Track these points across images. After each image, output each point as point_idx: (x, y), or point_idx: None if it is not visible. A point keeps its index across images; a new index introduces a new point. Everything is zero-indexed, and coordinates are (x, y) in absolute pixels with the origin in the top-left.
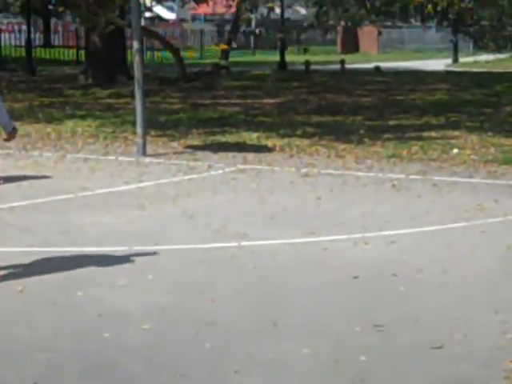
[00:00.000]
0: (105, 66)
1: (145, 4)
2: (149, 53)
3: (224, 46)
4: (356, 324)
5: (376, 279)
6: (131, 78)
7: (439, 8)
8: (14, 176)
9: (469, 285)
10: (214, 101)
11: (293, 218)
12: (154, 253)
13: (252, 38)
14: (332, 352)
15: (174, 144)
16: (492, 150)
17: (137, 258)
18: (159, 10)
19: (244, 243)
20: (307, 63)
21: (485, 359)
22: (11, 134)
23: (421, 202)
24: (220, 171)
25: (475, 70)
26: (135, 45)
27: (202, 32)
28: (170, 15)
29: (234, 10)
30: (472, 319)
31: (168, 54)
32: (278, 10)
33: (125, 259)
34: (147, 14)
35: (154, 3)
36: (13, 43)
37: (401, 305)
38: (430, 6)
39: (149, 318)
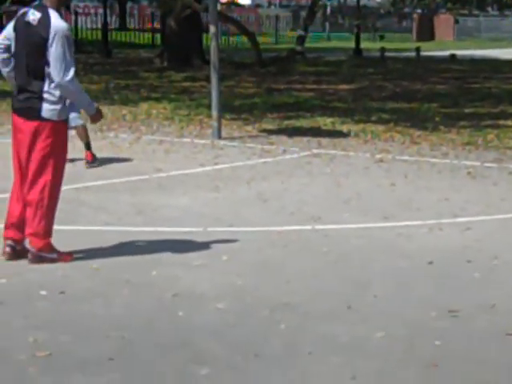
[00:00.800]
0: (180, 50)
1: None
2: (224, 37)
3: (299, 33)
4: (431, 309)
5: (451, 265)
6: (207, 61)
7: None
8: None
9: None
10: (288, 86)
11: (367, 203)
12: (229, 234)
13: (327, 24)
14: (406, 336)
15: (249, 128)
16: None
17: (211, 239)
18: None
19: (318, 227)
20: (383, 50)
21: None
22: (95, 116)
23: (496, 189)
24: (295, 155)
25: None
26: (211, 29)
27: (277, 18)
28: (245, 0)
29: None
30: None
31: (243, 39)
32: None
33: (200, 240)
34: None
35: None
36: (89, 26)
37: (476, 291)
38: None
39: (223, 297)
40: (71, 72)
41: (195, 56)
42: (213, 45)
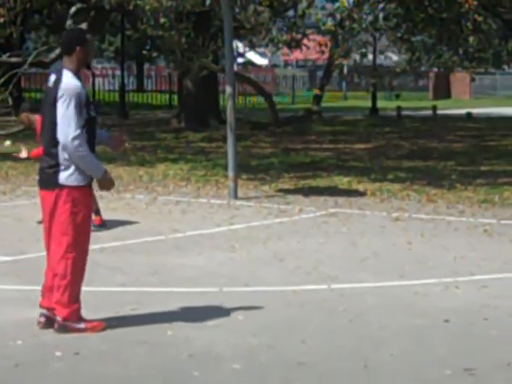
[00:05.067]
0: (197, 110)
1: (238, 49)
2: (241, 97)
3: (316, 91)
4: (447, 367)
5: (467, 323)
6: (223, 122)
7: None
8: (106, 218)
9: None
10: (305, 145)
11: (383, 262)
12: (245, 294)
13: (344, 83)
14: None
15: (265, 187)
16: None
17: (227, 299)
18: (252, 55)
19: (334, 286)
20: (399, 109)
21: None
22: (104, 183)
23: None
24: (311, 215)
25: None
26: (228, 90)
27: (293, 78)
28: (262, 61)
29: (326, 56)
30: None
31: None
32: (370, 56)
33: (215, 300)
34: (240, 60)
35: (247, 49)
36: (106, 88)
37: (493, 349)
38: None
39: (239, 358)
40: (77, 132)
41: (212, 116)
42: (229, 105)
